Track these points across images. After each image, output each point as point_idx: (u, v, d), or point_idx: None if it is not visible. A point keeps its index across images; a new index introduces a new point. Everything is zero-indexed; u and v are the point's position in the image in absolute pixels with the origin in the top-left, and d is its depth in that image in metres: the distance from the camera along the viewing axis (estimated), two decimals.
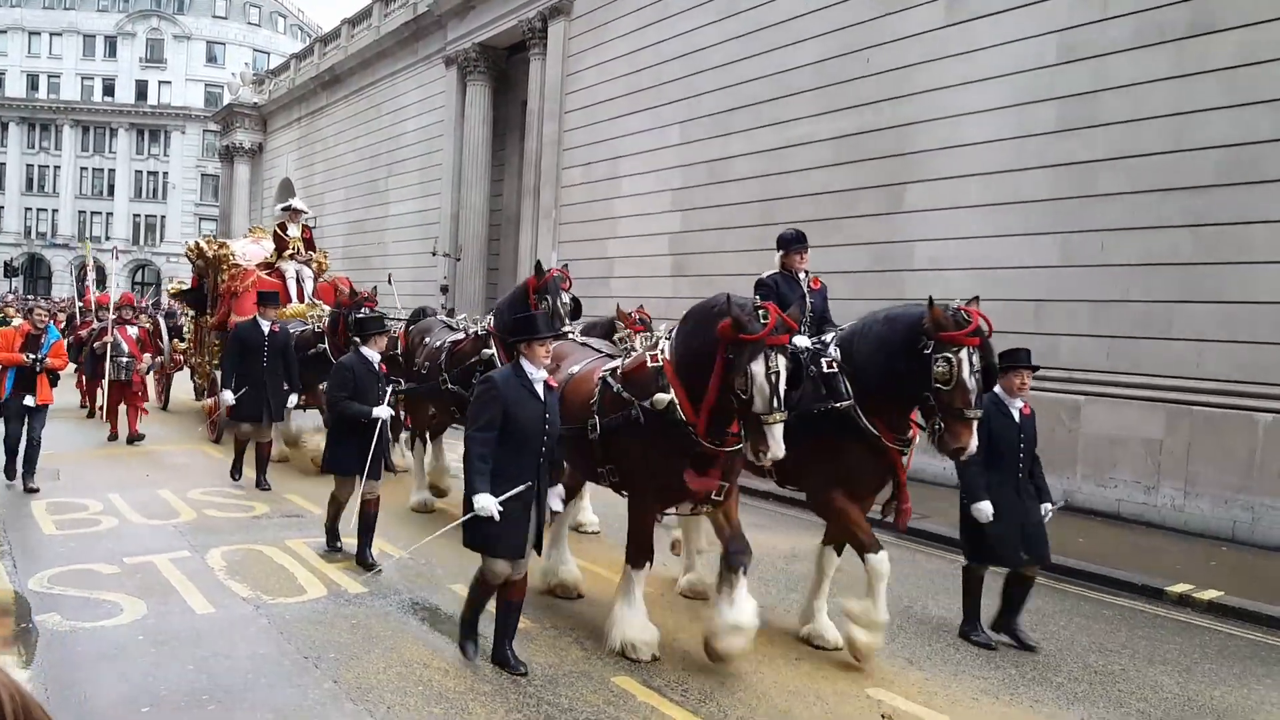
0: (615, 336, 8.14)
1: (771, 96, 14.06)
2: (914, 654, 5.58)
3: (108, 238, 60.30)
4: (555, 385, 4.95)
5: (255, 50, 59.61)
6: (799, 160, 13.63)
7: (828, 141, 13.18)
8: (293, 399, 9.93)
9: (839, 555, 5.76)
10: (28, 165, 61.10)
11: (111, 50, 61.51)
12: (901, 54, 12.17)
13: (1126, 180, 9.74)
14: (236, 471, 9.55)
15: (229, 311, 12.61)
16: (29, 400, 8.57)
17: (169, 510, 8.27)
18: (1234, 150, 8.95)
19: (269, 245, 13.85)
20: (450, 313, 14.71)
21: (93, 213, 60.91)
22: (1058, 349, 9.98)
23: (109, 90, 61.37)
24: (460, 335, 8.63)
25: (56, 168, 61.00)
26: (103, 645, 5.05)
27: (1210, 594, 6.91)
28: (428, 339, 9.16)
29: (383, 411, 6.60)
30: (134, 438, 11.98)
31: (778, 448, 4.56)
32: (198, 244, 14.39)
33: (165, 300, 24.43)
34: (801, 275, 6.57)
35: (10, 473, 8.88)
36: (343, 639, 5.31)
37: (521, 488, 4.68)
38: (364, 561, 6.79)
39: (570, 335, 7.39)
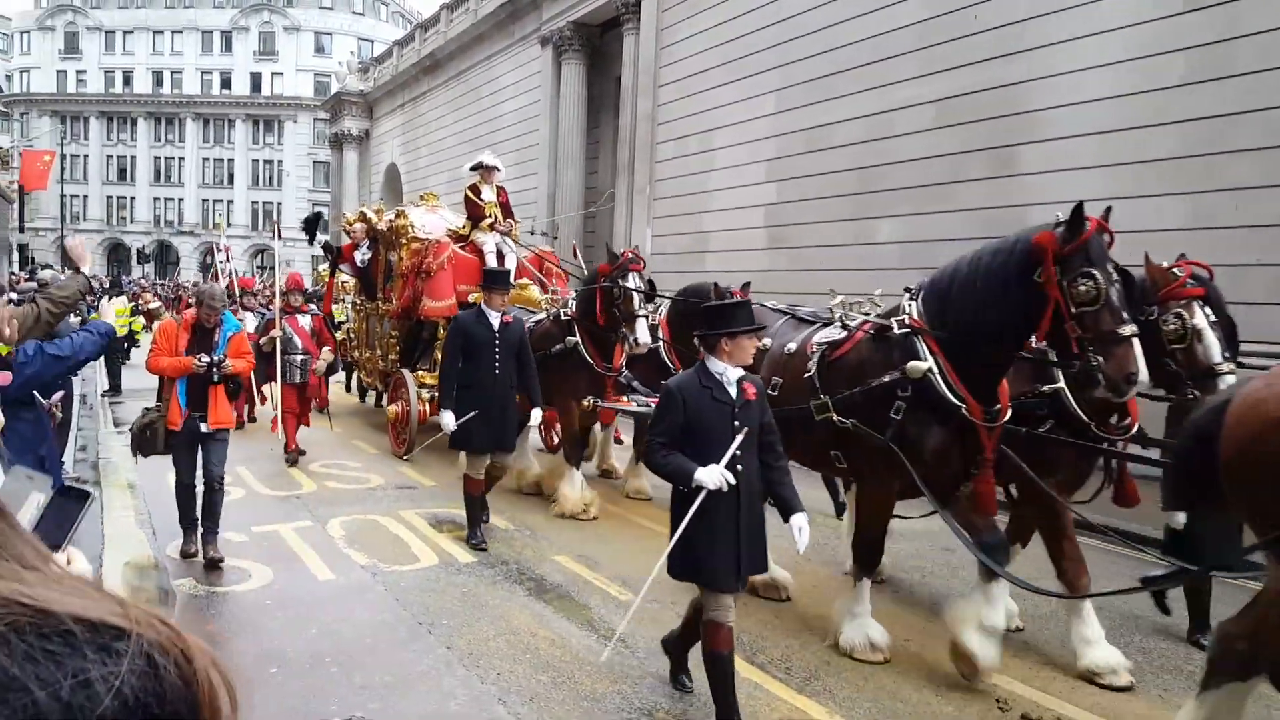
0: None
1: (871, 60, 13.68)
2: (1029, 639, 5.42)
3: (229, 224, 63.42)
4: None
5: (360, 39, 61.26)
6: (901, 125, 13.25)
7: (932, 104, 12.76)
8: (535, 415, 7.31)
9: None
10: (155, 157, 64.65)
11: (227, 45, 64.29)
12: (1010, 10, 11.67)
13: (1262, 134, 9.12)
14: (474, 534, 6.75)
15: (415, 296, 10.31)
16: (203, 425, 6.07)
17: (292, 482, 8.70)
18: None
19: (448, 215, 11.84)
20: None
21: (214, 201, 64.08)
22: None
23: (226, 83, 64.25)
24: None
25: (181, 159, 64.33)
26: (234, 609, 5.37)
27: None
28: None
29: (716, 479, 3.81)
30: (297, 452, 9.67)
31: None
32: (362, 214, 12.24)
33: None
34: None
35: (189, 533, 6.31)
36: (454, 606, 5.50)
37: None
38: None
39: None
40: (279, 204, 61.42)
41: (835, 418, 4.83)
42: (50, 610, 0.57)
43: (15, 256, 31.91)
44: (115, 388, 14.63)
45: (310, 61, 63.13)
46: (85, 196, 64.22)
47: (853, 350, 4.97)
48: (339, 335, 12.77)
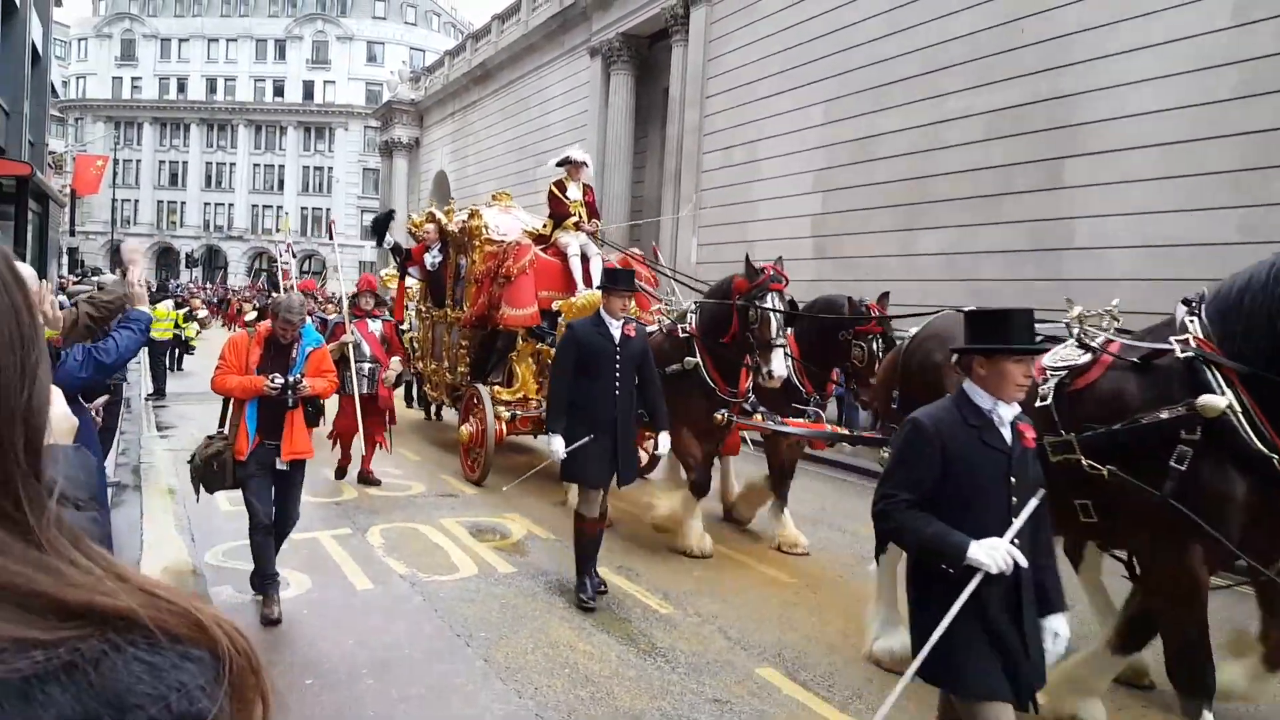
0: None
1: (921, 71, 13.57)
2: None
3: (278, 230, 64.60)
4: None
5: (411, 49, 62.10)
6: (951, 136, 13.11)
7: (981, 116, 12.61)
8: (664, 442, 6.26)
9: None
10: (206, 163, 66.06)
11: (281, 53, 65.57)
12: (1059, 23, 11.51)
13: None
14: (584, 586, 5.80)
15: (491, 303, 9.36)
16: (278, 461, 5.30)
17: (333, 489, 8.77)
18: None
19: (523, 216, 11.00)
20: None
21: (264, 206, 65.30)
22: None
23: (279, 91, 65.51)
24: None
25: (232, 165, 65.68)
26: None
27: None
28: None
29: (1001, 559, 2.84)
30: (368, 478, 8.94)
31: None
32: (431, 214, 11.17)
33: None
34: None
35: (269, 590, 5.36)
36: (493, 618, 5.51)
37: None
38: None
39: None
40: (328, 209, 62.38)
41: (1085, 462, 3.90)
42: (137, 620, 0.59)
43: (65, 259, 32.80)
44: (159, 391, 14.88)
45: (362, 70, 64.14)
46: (136, 201, 65.67)
47: (1105, 377, 4.05)
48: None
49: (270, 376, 5.23)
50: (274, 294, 16.54)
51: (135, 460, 9.57)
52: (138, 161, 65.50)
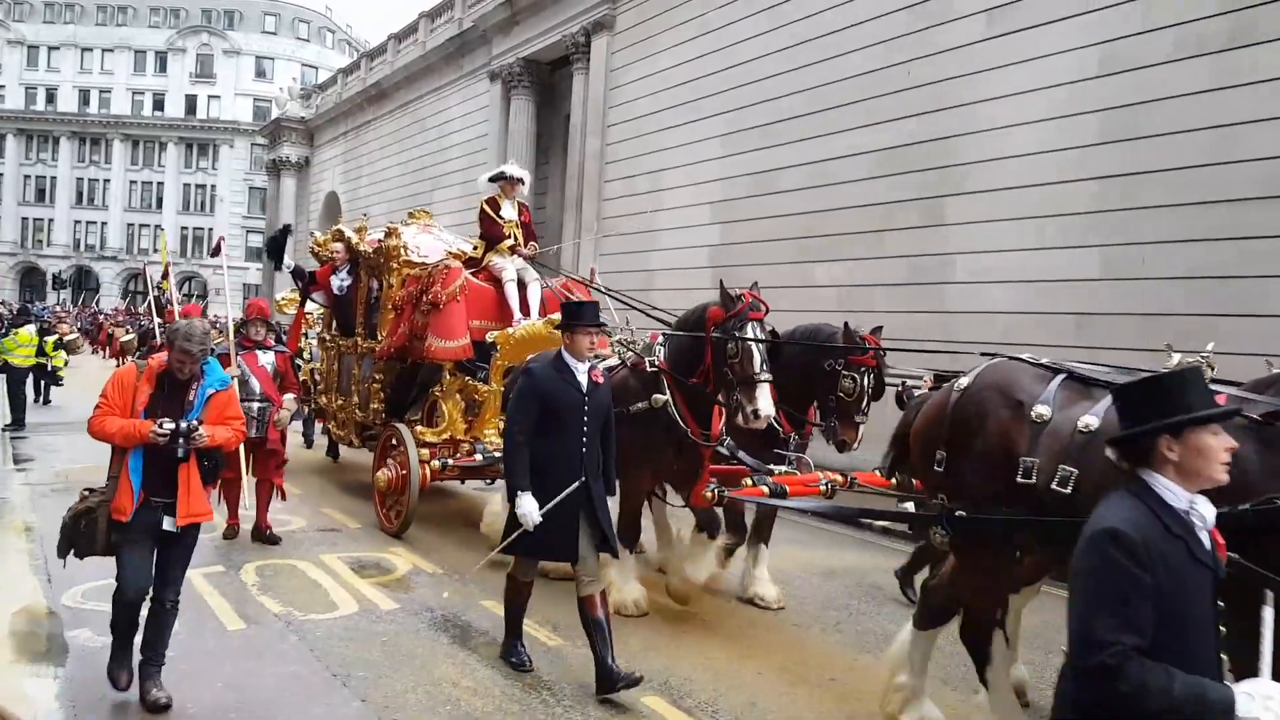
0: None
1: (813, 110, 13.98)
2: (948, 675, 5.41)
3: (155, 250, 61.78)
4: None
5: (304, 65, 60.71)
6: (841, 173, 13.53)
7: (869, 154, 13.06)
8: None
9: None
10: (78, 179, 62.71)
11: (162, 66, 63.06)
12: (942, 67, 12.05)
13: (1169, 193, 9.56)
14: (514, 649, 5.32)
15: (414, 333, 8.41)
16: (167, 521, 4.48)
17: (204, 525, 8.29)
18: (1277, 162, 8.74)
19: (445, 236, 10.27)
20: None
21: (141, 225, 62.38)
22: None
23: (159, 105, 62.91)
24: None
25: (106, 181, 62.60)
26: (133, 662, 5.07)
27: None
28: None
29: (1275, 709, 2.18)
30: (266, 535, 7.77)
31: None
32: (339, 232, 10.12)
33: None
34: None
35: (122, 659, 4.63)
36: (373, 656, 5.32)
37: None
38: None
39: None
40: (210, 229, 60.14)
41: None
42: None
43: None
44: (18, 421, 13.96)
45: (250, 86, 62.28)
46: None
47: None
48: (300, 377, 10.39)
49: (159, 421, 4.34)
50: (158, 319, 15.20)
51: None
52: (0, 175, 61.67)
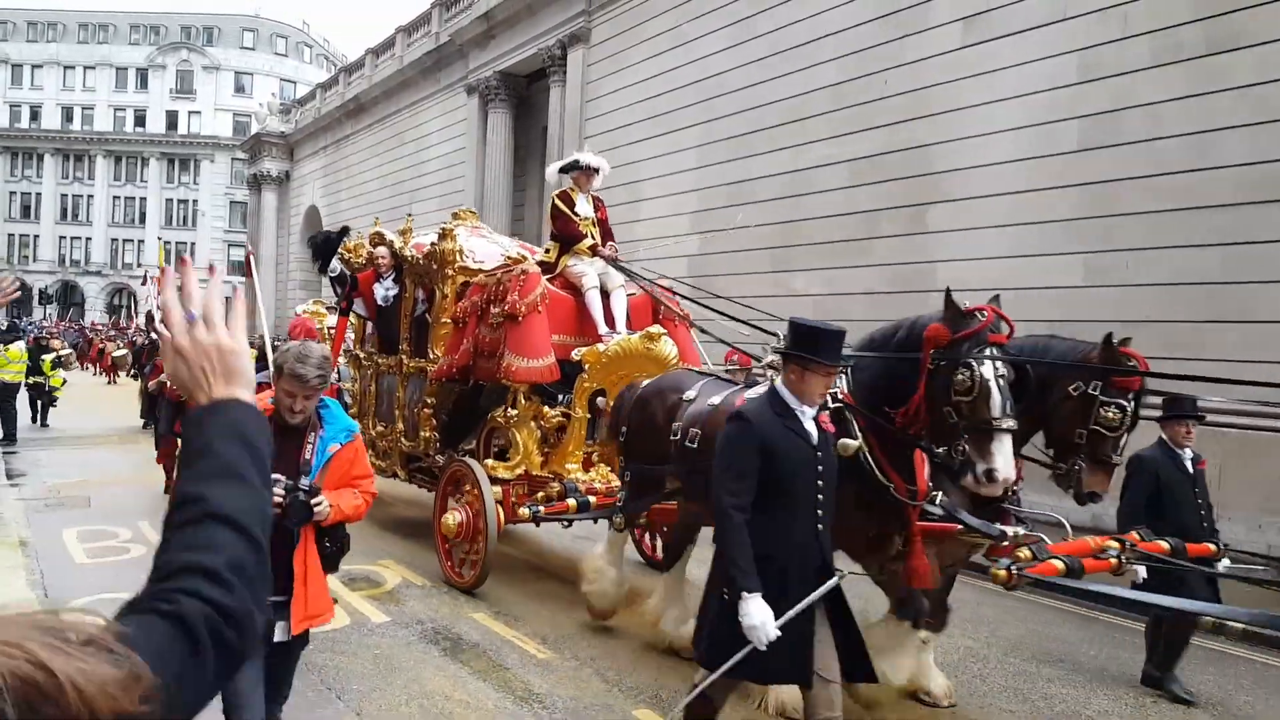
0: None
1: (789, 120, 14.12)
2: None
3: (139, 264, 61.53)
4: None
5: (282, 80, 60.68)
6: (818, 182, 13.66)
7: (847, 163, 13.21)
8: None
9: None
10: (62, 195, 62.62)
11: (143, 82, 63.01)
12: (919, 76, 12.20)
13: (1150, 199, 9.68)
14: None
15: (480, 350, 7.22)
16: (279, 627, 3.39)
17: None
18: (1257, 168, 8.87)
19: (501, 240, 9.17)
20: None
21: (124, 240, 62.26)
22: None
23: (140, 121, 62.87)
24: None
25: (90, 197, 62.49)
26: None
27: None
28: None
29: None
30: None
31: None
32: (381, 235, 8.72)
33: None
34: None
35: None
36: (366, 669, 5.34)
37: None
38: None
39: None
40: (193, 244, 59.92)
41: None
42: None
43: None
44: (9, 436, 13.92)
45: (230, 101, 62.23)
46: None
47: None
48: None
49: (284, 483, 3.19)
50: (154, 332, 15.17)
51: None
52: None
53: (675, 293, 7.87)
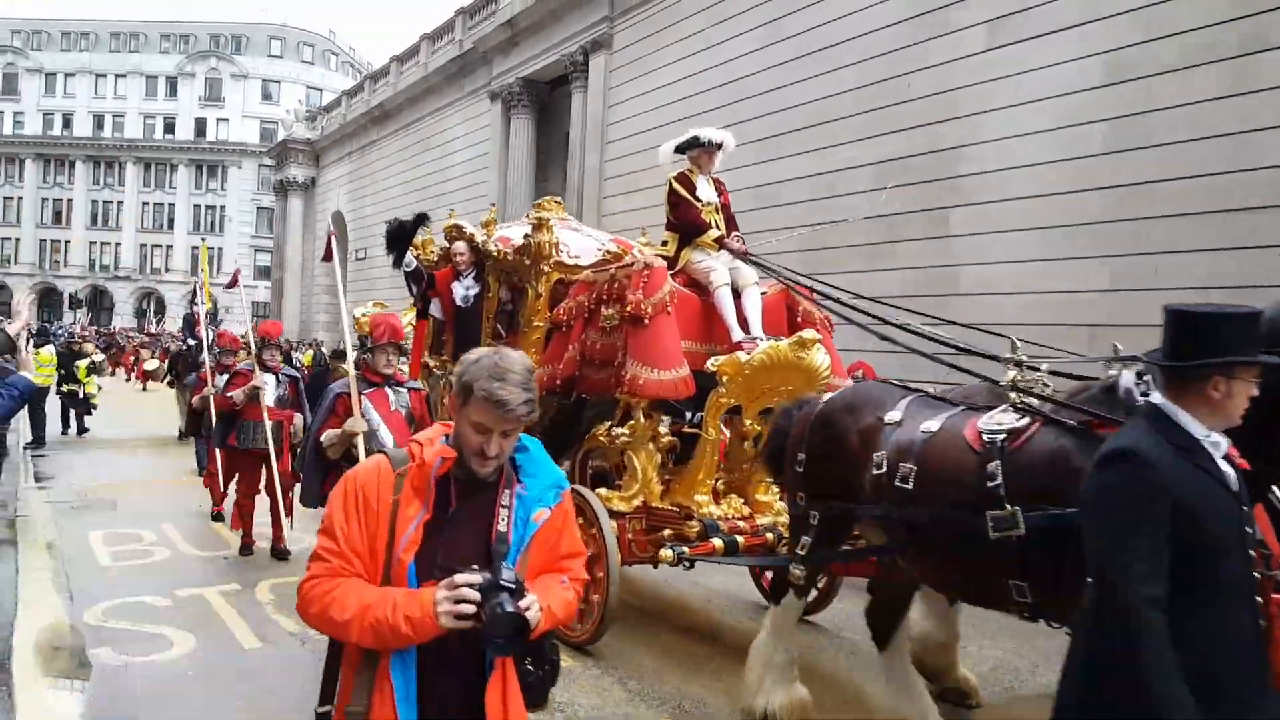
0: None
1: (814, 123, 14.05)
2: None
3: (168, 269, 62.40)
4: None
5: (309, 87, 61.30)
6: (843, 186, 13.58)
7: (871, 166, 13.12)
8: None
9: None
10: (92, 201, 63.61)
11: (172, 90, 63.91)
12: (944, 79, 12.10)
13: (1180, 202, 9.52)
14: None
15: (588, 359, 6.20)
16: None
17: (220, 542, 8.42)
18: None
19: (596, 234, 8.09)
20: None
21: (153, 246, 63.14)
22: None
23: (170, 128, 63.79)
24: None
25: (120, 203, 63.45)
26: (153, 681, 5.12)
27: None
28: None
29: None
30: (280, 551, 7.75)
31: None
32: (460, 228, 7.60)
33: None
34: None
35: None
36: None
37: None
38: None
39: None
40: (220, 249, 60.58)
41: None
42: None
43: None
44: (39, 439, 14.09)
45: (257, 108, 62.97)
46: (18, 239, 62.97)
47: None
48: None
49: (454, 578, 2.07)
50: (188, 340, 14.57)
51: (11, 513, 9.08)
52: (19, 199, 62.80)
53: (828, 295, 6.41)
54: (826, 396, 4.74)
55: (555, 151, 23.20)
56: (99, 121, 64.22)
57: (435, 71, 27.97)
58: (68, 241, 63.34)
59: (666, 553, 5.48)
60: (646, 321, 5.77)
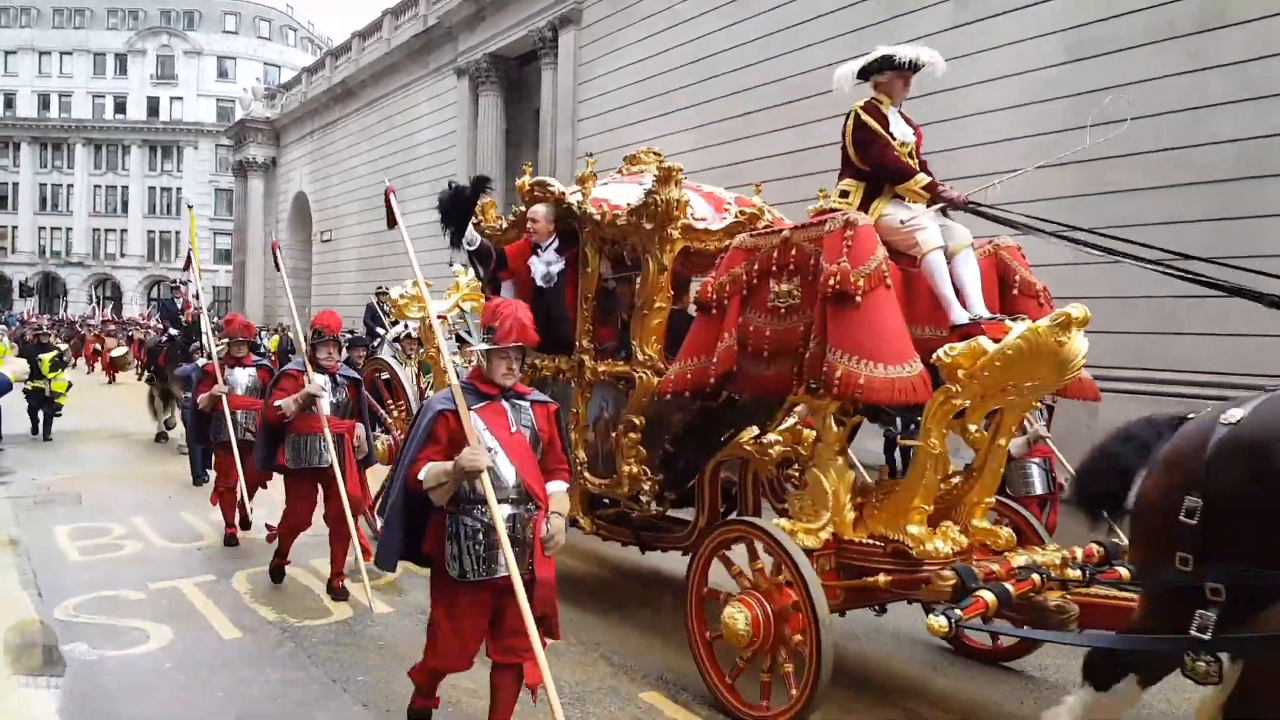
0: None
1: (784, 100, 14.08)
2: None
3: (123, 254, 61.04)
4: None
5: (266, 64, 60.06)
6: (813, 164, 13.63)
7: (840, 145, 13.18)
8: None
9: None
10: (40, 185, 61.85)
11: (122, 68, 62.19)
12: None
13: (1140, 176, 9.74)
14: None
15: (753, 350, 4.76)
16: None
17: (193, 533, 8.32)
18: (1248, 144, 8.97)
19: (720, 192, 6.76)
20: None
21: (107, 230, 61.61)
22: None
23: (120, 108, 62.08)
24: None
25: (70, 186, 61.76)
26: (131, 674, 5.07)
27: None
28: None
29: None
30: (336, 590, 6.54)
31: None
32: (543, 185, 6.35)
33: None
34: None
35: None
36: (370, 660, 5.33)
37: None
38: None
39: None
40: (177, 232, 59.48)
41: None
42: None
43: None
44: None
45: (213, 86, 61.54)
46: None
47: None
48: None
49: None
50: (170, 330, 13.73)
51: None
52: None
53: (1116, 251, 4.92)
54: (1233, 415, 3.15)
55: (526, 129, 23.01)
56: (44, 101, 62.30)
57: (399, 47, 27.54)
58: (15, 227, 61.53)
59: (938, 622, 3.91)
60: (859, 299, 4.24)
